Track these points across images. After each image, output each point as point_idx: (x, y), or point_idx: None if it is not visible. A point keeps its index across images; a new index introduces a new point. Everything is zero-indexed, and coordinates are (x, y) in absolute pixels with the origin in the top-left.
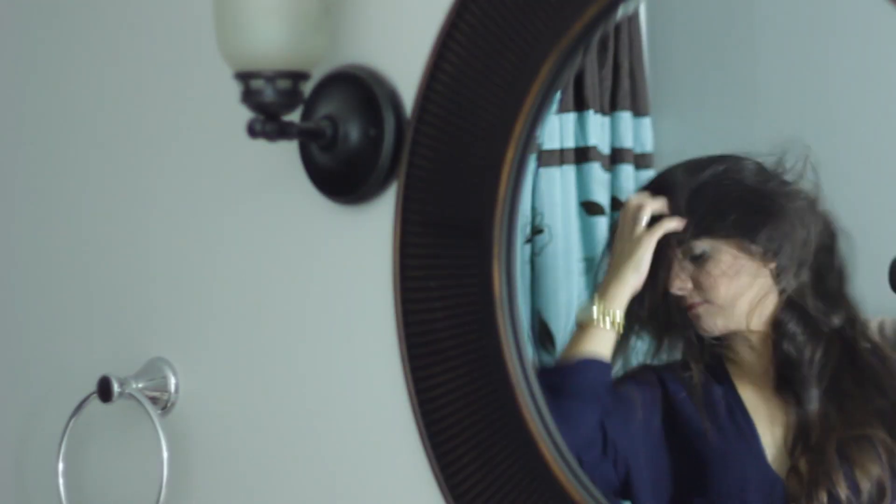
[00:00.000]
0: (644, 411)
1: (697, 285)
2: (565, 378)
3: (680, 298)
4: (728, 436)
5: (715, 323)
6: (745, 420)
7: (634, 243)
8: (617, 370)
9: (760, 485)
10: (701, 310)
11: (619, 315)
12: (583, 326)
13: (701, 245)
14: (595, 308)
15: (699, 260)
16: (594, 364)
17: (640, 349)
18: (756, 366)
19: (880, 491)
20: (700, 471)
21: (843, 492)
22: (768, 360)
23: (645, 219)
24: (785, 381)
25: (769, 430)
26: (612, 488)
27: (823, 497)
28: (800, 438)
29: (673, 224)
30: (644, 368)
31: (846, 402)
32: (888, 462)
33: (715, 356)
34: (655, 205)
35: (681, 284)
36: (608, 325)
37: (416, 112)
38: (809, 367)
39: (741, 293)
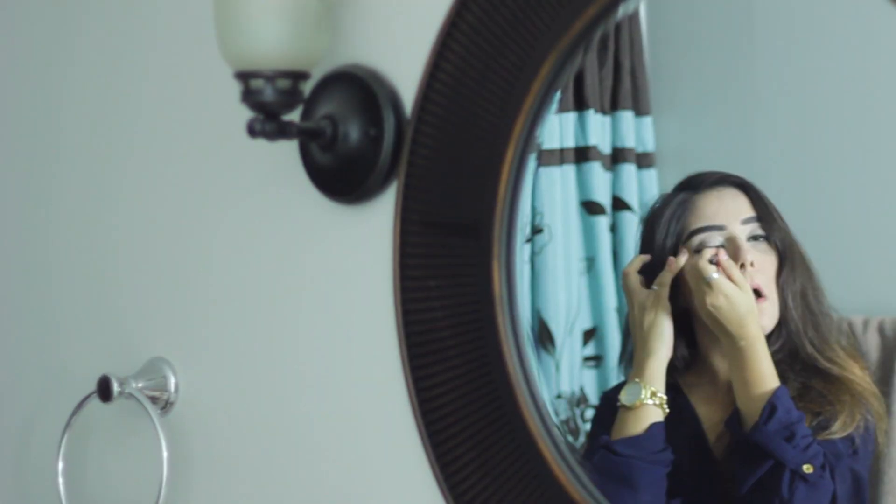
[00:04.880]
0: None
1: (758, 268)
2: (628, 450)
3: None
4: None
5: (770, 320)
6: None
7: (648, 313)
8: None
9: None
10: (764, 305)
11: (661, 391)
12: (631, 408)
13: (762, 232)
14: (642, 390)
15: (756, 242)
16: (654, 427)
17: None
18: (721, 381)
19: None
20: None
21: None
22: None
23: (634, 280)
24: None
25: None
26: None
27: None
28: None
29: (667, 276)
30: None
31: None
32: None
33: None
34: (637, 263)
35: (753, 258)
36: (654, 403)
37: (416, 112)
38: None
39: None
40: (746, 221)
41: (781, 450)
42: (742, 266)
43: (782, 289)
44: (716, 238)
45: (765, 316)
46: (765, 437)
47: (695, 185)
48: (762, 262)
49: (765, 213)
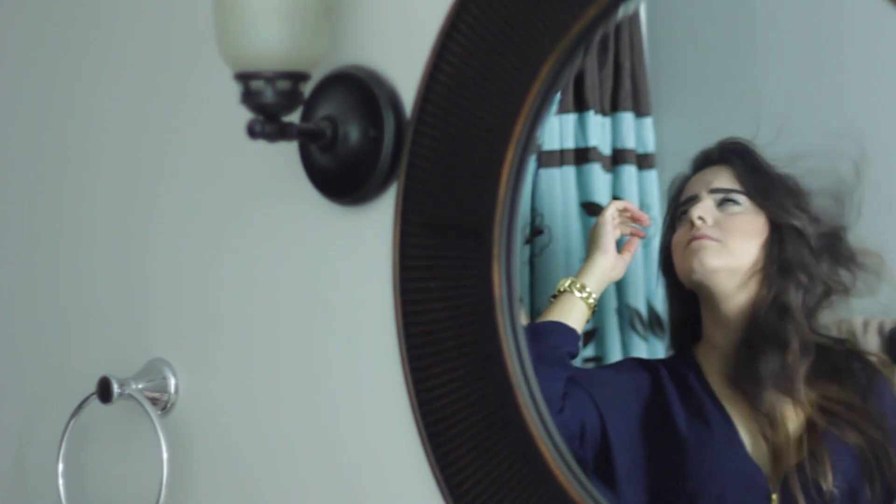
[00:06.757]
0: (621, 394)
1: (717, 224)
2: (532, 338)
3: (689, 232)
4: (706, 427)
5: (715, 259)
6: (720, 411)
7: (596, 228)
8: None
9: (740, 476)
10: (708, 242)
11: (591, 287)
12: (556, 296)
13: (739, 198)
14: (568, 281)
15: (726, 206)
16: (559, 327)
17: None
18: (723, 348)
19: (852, 489)
20: (678, 459)
21: (824, 483)
22: (736, 340)
23: (609, 211)
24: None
25: (744, 421)
26: (577, 451)
27: (800, 488)
28: (778, 430)
29: (622, 203)
30: (630, 359)
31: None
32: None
33: (686, 347)
34: (619, 204)
35: (702, 213)
36: (577, 293)
37: (416, 112)
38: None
39: (751, 252)
40: (715, 191)
41: None
42: (692, 224)
43: (768, 252)
44: (691, 207)
45: (707, 252)
46: None
47: (698, 162)
48: (728, 221)
49: (748, 185)
